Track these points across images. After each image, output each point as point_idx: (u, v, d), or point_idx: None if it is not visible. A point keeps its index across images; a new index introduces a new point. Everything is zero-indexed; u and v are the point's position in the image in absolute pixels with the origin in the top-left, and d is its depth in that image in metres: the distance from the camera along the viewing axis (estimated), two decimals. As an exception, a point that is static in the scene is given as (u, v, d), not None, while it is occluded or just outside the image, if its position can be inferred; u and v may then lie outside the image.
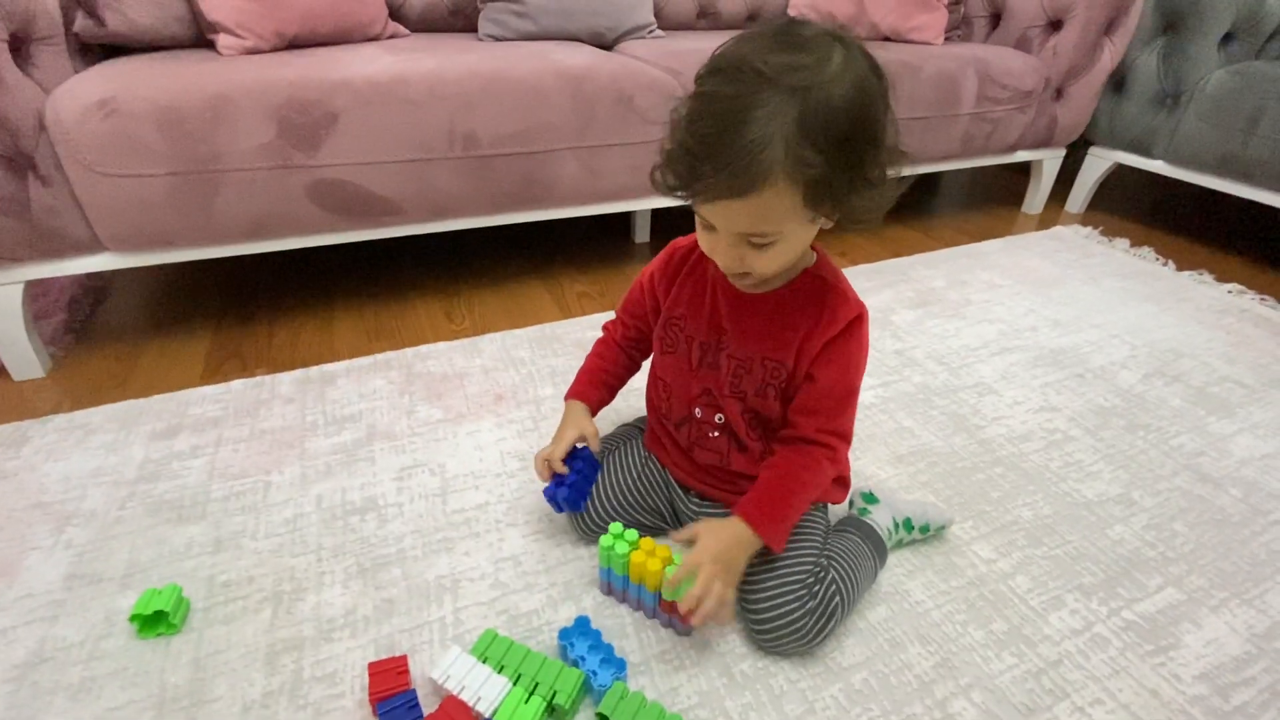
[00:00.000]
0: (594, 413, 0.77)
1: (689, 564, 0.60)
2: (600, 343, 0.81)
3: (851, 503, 0.80)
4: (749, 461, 0.70)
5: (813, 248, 0.64)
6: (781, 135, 0.47)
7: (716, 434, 0.70)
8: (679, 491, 0.76)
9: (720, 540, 0.62)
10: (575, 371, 0.78)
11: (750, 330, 0.65)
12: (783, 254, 0.56)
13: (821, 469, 0.66)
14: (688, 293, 0.69)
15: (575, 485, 0.73)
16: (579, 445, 0.75)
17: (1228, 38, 1.61)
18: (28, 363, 1.05)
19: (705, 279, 0.68)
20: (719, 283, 0.66)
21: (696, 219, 0.58)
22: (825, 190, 0.50)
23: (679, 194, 0.54)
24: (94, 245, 1.01)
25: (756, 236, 0.54)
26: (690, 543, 0.63)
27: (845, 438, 0.67)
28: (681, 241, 0.71)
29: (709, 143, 0.49)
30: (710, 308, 0.67)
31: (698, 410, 0.70)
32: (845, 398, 0.65)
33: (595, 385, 0.79)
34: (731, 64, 0.49)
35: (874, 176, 0.52)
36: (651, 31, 1.57)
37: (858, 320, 0.63)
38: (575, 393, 0.78)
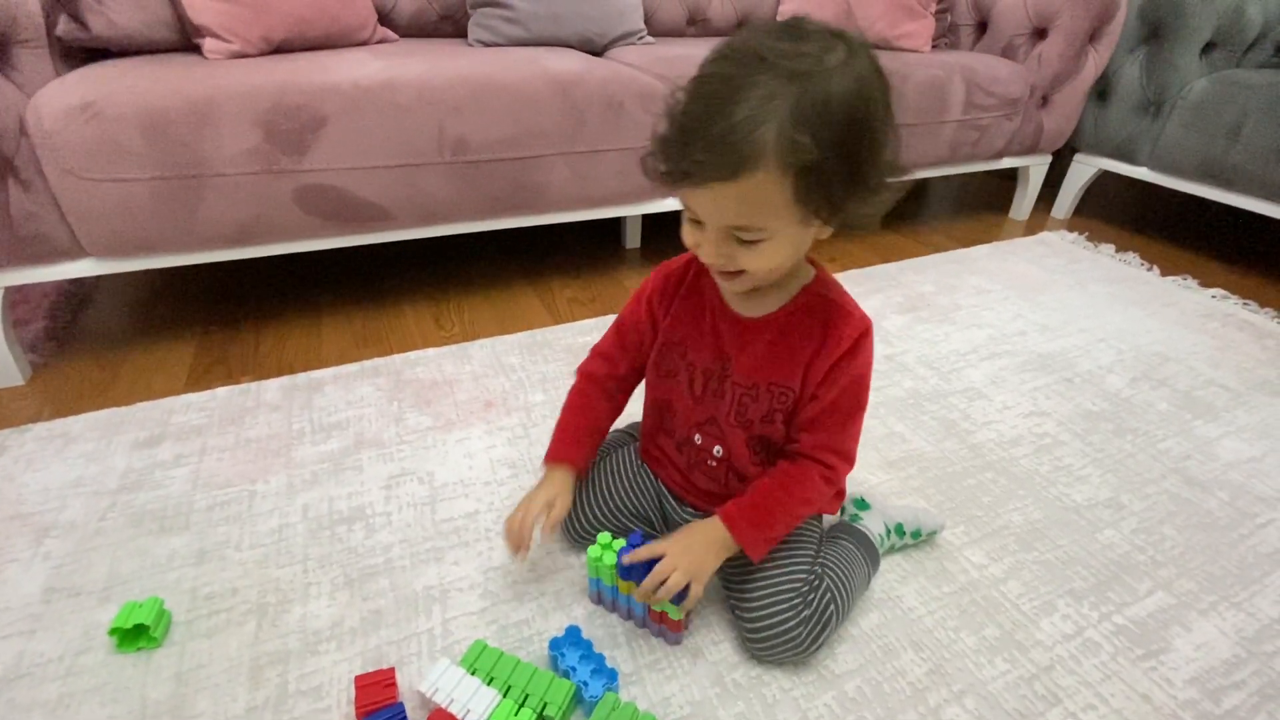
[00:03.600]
0: (581, 475, 0.72)
1: (652, 548, 0.62)
2: (579, 390, 0.74)
3: (844, 509, 0.80)
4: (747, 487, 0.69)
5: (810, 262, 0.63)
6: (775, 117, 0.45)
7: (714, 464, 0.69)
8: (672, 501, 0.75)
9: (691, 534, 0.64)
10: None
11: (755, 356, 0.63)
12: (773, 253, 0.53)
13: (815, 486, 0.64)
14: (687, 317, 0.66)
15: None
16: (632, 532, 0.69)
17: (1209, 46, 1.64)
18: (7, 370, 1.03)
19: (703, 303, 0.65)
20: (718, 308, 0.64)
21: (683, 214, 0.55)
22: (817, 183, 0.48)
23: (668, 179, 0.52)
24: (76, 251, 0.99)
25: (745, 231, 0.51)
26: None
27: (847, 457, 0.65)
28: (672, 263, 0.68)
29: (700, 120, 0.47)
30: (712, 334, 0.64)
31: (697, 437, 0.68)
32: (850, 415, 0.63)
33: (579, 443, 0.71)
34: (732, 49, 0.49)
35: (871, 180, 0.50)
36: (642, 38, 1.58)
37: (863, 336, 0.60)
38: (557, 454, 0.70)
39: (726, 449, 0.67)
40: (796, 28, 0.49)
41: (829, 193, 0.49)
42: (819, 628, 0.64)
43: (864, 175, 0.50)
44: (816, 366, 0.60)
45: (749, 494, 0.65)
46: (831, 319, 0.60)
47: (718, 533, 0.63)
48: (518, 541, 0.66)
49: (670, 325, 0.67)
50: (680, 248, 0.68)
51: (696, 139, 0.47)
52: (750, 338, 0.63)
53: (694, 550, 0.63)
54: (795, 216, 0.50)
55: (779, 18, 1.76)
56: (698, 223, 0.53)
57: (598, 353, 0.74)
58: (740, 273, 0.55)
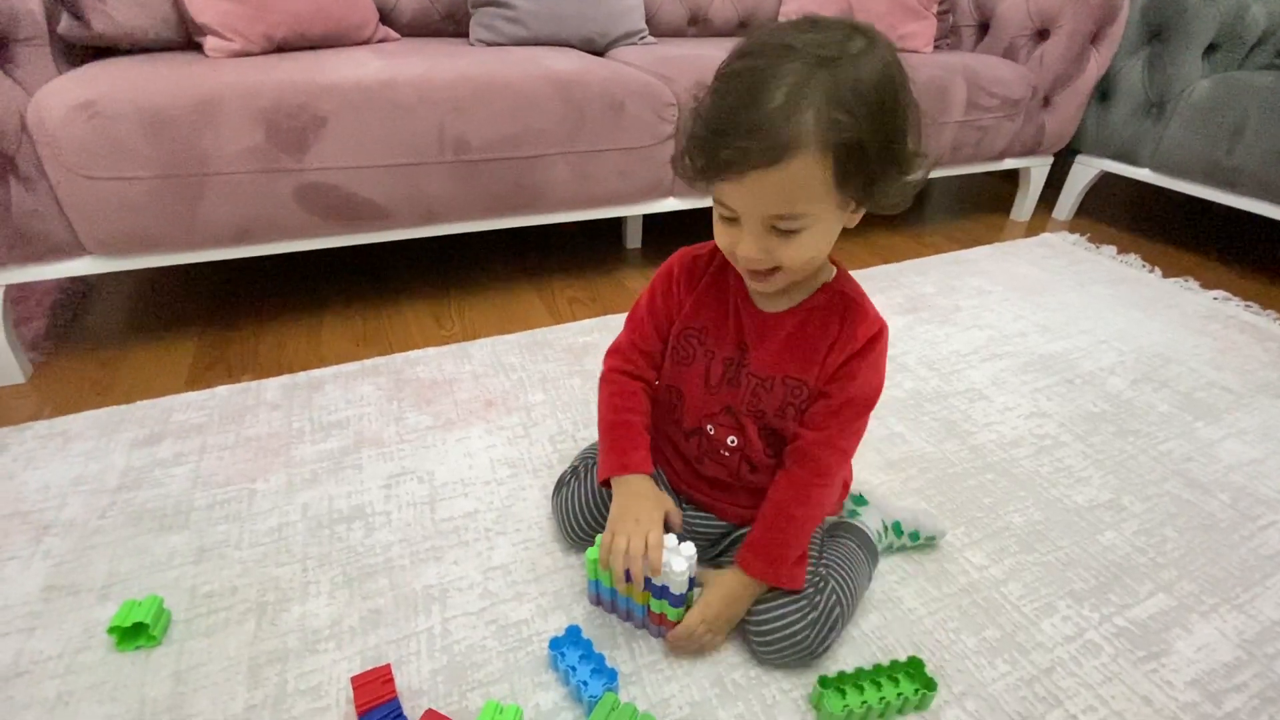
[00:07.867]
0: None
1: (689, 625, 0.64)
2: (619, 392, 0.71)
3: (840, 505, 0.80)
4: (760, 477, 0.69)
5: (832, 261, 0.63)
6: (812, 100, 0.46)
7: (728, 454, 0.69)
8: (671, 498, 0.74)
9: (722, 596, 0.64)
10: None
11: (773, 349, 0.63)
12: (811, 243, 0.53)
13: (814, 498, 0.64)
14: (710, 303, 0.66)
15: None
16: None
17: (1211, 48, 1.63)
18: (7, 368, 1.03)
19: (728, 292, 0.65)
20: (741, 298, 0.64)
21: (716, 215, 0.55)
22: (856, 163, 0.48)
23: (704, 176, 0.52)
24: (76, 249, 0.99)
25: (784, 220, 0.51)
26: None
27: (845, 455, 0.66)
28: (697, 249, 0.68)
29: (736, 110, 0.48)
30: (734, 323, 0.65)
31: (710, 427, 0.68)
32: (856, 416, 0.63)
33: (647, 446, 0.69)
34: (756, 44, 0.50)
35: (903, 159, 0.51)
36: (643, 38, 1.57)
37: (877, 336, 0.61)
38: (634, 463, 0.67)
39: (743, 440, 0.67)
40: (815, 21, 0.50)
41: (867, 172, 0.50)
42: (826, 630, 0.64)
43: (897, 154, 0.51)
44: (830, 361, 0.61)
45: (758, 534, 0.65)
46: (848, 317, 0.61)
47: (745, 586, 0.64)
48: (655, 568, 0.61)
49: (692, 310, 0.67)
50: (688, 244, 0.69)
51: (735, 129, 0.48)
52: (770, 330, 0.63)
53: (725, 614, 0.65)
54: (834, 201, 0.51)
55: (781, 18, 1.76)
56: (732, 220, 0.53)
57: (626, 347, 0.72)
58: (774, 271, 0.55)
